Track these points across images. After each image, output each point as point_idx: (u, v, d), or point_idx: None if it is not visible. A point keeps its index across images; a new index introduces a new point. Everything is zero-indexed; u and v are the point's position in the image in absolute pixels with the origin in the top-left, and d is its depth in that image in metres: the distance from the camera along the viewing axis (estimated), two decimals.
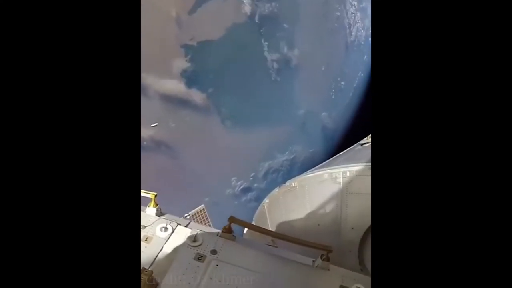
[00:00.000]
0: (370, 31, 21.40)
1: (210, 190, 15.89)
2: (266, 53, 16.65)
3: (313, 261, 2.30)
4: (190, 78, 14.51)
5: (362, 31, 21.00)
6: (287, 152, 18.65)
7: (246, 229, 3.72)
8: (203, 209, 3.29)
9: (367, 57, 21.65)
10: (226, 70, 15.46)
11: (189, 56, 14.24)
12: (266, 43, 16.55)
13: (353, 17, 20.43)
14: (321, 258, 2.26)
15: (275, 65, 17.01)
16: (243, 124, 16.60)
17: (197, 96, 14.90)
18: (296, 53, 17.58)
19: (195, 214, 3.73)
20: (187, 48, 14.16)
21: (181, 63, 14.16)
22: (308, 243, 2.28)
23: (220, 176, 16.65)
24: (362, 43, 21.21)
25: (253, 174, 17.87)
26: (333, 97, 20.09)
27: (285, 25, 16.93)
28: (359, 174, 3.21)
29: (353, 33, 20.48)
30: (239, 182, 17.48)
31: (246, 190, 17.71)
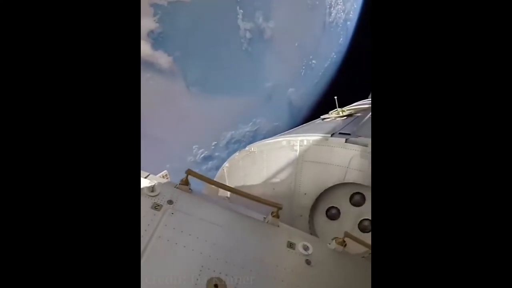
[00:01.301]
0: (350, 15, 21.36)
1: (172, 157, 15.67)
2: (240, 21, 16.08)
3: (264, 218, 2.44)
4: (157, 40, 13.65)
5: (342, 13, 20.81)
6: (250, 124, 18.71)
7: (204, 189, 3.81)
8: (166, 174, 3.28)
9: (342, 39, 21.71)
10: (196, 35, 14.77)
11: (158, 16, 13.31)
12: (242, 11, 15.91)
13: None
14: (271, 215, 2.40)
15: (248, 35, 16.56)
16: (209, 92, 16.20)
17: (163, 59, 14.14)
18: (271, 25, 17.20)
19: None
20: (156, 7, 13.18)
21: (148, 23, 13.20)
22: (260, 199, 2.40)
23: (182, 143, 16.42)
24: (340, 25, 21.09)
25: (215, 143, 17.82)
26: (302, 74, 20.16)
27: None
28: (315, 144, 3.39)
29: (332, 14, 20.25)
30: (200, 150, 17.39)
31: (207, 158, 17.71)
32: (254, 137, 18.58)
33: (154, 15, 13.31)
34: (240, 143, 18.28)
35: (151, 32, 13.48)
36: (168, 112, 15.16)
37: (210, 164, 17.73)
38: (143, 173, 2.42)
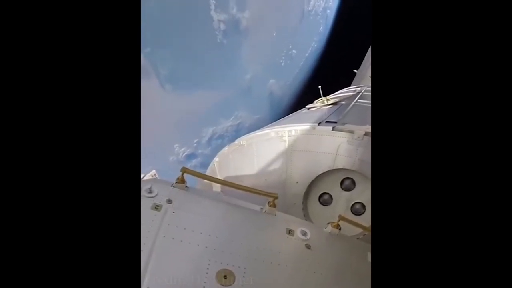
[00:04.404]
0: (330, 2, 20.91)
1: (153, 158, 15.30)
2: (212, 13, 15.65)
3: (261, 208, 2.50)
4: None
5: (321, 1, 20.41)
6: (232, 118, 18.46)
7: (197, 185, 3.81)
8: (155, 174, 3.30)
9: (322, 28, 21.38)
10: (167, 29, 14.28)
11: None
12: (214, 1, 15.46)
13: None
14: (268, 204, 2.46)
15: (222, 26, 16.17)
16: (185, 88, 15.83)
17: None
18: (247, 15, 16.79)
19: None
20: None
21: None
22: (256, 190, 2.45)
23: (162, 143, 16.06)
24: (320, 14, 20.73)
25: (197, 140, 17.54)
26: (282, 64, 19.85)
27: None
28: (303, 133, 3.46)
29: (311, 2, 19.90)
30: (182, 149, 17.11)
31: (190, 156, 17.47)
32: (237, 131, 18.40)
33: None
34: (223, 138, 18.10)
35: None
36: (143, 112, 14.69)
37: (194, 161, 17.52)
38: None
